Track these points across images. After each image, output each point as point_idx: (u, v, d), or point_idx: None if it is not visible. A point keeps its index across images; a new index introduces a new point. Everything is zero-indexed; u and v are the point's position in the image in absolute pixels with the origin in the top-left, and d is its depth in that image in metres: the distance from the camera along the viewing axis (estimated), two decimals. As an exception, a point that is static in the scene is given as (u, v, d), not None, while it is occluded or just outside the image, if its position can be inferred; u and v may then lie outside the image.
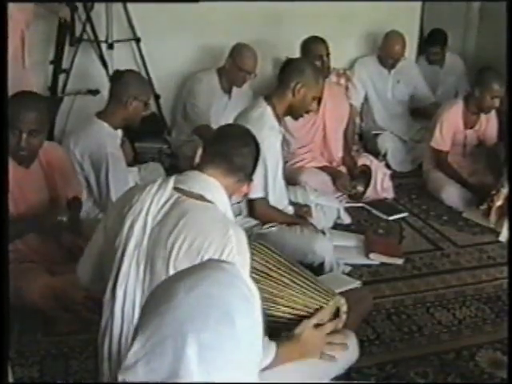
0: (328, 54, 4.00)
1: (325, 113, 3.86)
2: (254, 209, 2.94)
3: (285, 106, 2.98)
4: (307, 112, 3.11)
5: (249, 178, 1.93)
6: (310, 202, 3.34)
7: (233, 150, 1.85)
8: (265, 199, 2.92)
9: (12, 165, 2.38)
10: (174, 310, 0.90)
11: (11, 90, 2.40)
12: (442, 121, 3.97)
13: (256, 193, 2.86)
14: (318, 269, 2.81)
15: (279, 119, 2.99)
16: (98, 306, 1.85)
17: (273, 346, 1.79)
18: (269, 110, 2.93)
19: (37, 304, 2.40)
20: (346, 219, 3.56)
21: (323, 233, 3.04)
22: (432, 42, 4.97)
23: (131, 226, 1.72)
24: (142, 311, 0.99)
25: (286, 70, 3.03)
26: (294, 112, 3.05)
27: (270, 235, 2.87)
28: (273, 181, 2.92)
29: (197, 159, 1.87)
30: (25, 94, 2.55)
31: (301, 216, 3.17)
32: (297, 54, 4.02)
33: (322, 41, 4.00)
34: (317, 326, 1.94)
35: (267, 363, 1.76)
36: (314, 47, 3.98)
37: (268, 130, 2.84)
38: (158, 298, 0.96)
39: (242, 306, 0.94)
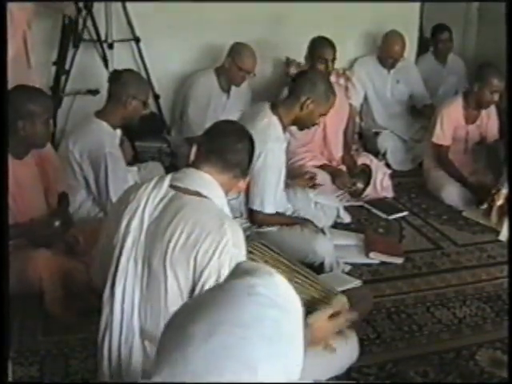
0: (334, 59, 3.86)
1: (325, 113, 3.86)
2: (254, 218, 2.94)
3: (291, 117, 2.95)
4: (313, 125, 3.08)
5: (244, 173, 1.91)
6: (310, 201, 3.33)
7: (227, 146, 1.84)
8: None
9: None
10: (187, 362, 0.86)
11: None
12: (443, 115, 3.97)
13: (256, 205, 2.88)
14: (318, 268, 2.81)
15: (284, 128, 2.96)
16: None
17: None
18: (275, 120, 2.89)
19: (43, 281, 2.41)
20: (346, 218, 3.56)
21: (323, 232, 3.04)
22: (441, 31, 4.94)
23: (128, 224, 1.73)
24: (160, 340, 0.94)
25: (298, 82, 2.98)
26: (300, 124, 3.03)
27: (269, 235, 2.87)
28: (274, 192, 2.90)
29: (192, 157, 1.86)
30: (26, 87, 2.59)
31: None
32: (297, 54, 4.02)
33: (331, 44, 3.86)
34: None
35: None
36: (320, 49, 3.85)
37: (272, 143, 2.81)
38: (173, 335, 0.90)
39: (265, 349, 0.86)
